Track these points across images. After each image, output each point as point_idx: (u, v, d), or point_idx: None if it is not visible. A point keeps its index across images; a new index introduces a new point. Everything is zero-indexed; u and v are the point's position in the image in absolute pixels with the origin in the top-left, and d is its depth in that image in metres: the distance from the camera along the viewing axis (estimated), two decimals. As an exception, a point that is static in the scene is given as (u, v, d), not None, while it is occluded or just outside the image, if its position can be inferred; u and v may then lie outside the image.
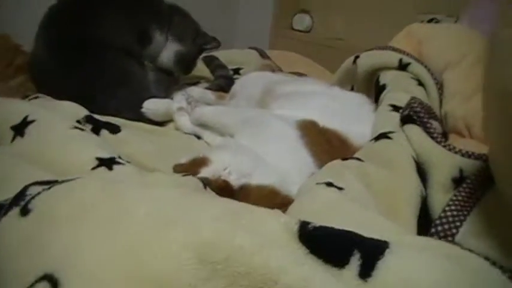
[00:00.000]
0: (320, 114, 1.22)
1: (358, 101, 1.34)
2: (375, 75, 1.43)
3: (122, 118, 1.46)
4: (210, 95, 1.67)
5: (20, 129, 1.12)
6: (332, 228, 0.64)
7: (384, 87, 1.36)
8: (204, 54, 1.97)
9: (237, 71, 2.16)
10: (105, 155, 0.99)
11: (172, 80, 1.81)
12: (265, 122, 1.19)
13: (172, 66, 1.81)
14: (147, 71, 1.71)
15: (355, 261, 0.60)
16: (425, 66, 1.38)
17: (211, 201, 0.76)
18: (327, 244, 0.62)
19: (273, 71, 1.90)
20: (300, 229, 0.64)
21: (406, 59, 1.38)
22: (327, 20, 2.72)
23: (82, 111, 1.31)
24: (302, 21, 2.81)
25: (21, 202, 0.71)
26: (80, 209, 0.68)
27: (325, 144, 1.15)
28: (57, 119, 1.14)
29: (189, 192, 0.81)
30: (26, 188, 0.74)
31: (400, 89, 1.30)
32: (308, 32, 2.81)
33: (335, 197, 0.86)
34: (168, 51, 1.79)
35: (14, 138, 1.11)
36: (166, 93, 1.68)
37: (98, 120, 1.29)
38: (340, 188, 0.88)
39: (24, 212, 0.69)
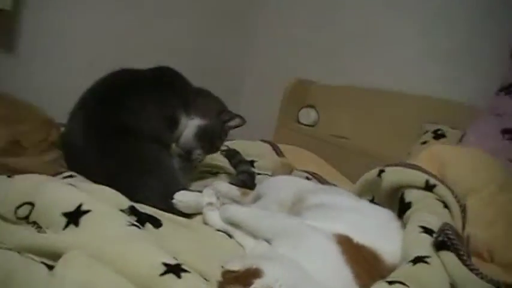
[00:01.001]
0: (353, 228, 1.26)
1: (387, 217, 1.40)
2: (399, 191, 1.50)
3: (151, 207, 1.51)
4: (236, 191, 1.71)
5: (73, 217, 1.14)
6: None
7: (409, 205, 1.42)
8: (225, 148, 2.03)
9: (251, 163, 2.22)
10: (170, 260, 1.02)
11: (192, 169, 1.86)
12: (306, 233, 1.22)
13: (192, 141, 1.85)
14: (172, 157, 1.76)
15: None
16: (450, 189, 1.46)
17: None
18: None
19: (291, 170, 1.97)
20: None
21: (432, 181, 1.45)
22: (332, 117, 2.82)
23: (125, 201, 1.34)
24: (308, 115, 2.90)
25: None
26: None
27: (362, 261, 1.19)
28: (112, 212, 1.17)
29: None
30: None
31: (427, 210, 1.37)
32: (313, 127, 2.90)
33: None
34: (189, 127, 1.86)
35: (67, 226, 1.13)
36: (188, 182, 1.73)
37: (141, 212, 1.32)
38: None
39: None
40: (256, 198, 1.63)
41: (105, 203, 1.23)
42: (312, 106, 2.94)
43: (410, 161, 1.62)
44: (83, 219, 1.13)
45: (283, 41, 3.27)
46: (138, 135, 1.65)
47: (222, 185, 1.72)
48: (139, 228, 1.15)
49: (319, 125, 2.91)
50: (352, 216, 1.34)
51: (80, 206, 1.16)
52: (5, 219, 1.21)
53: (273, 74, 3.21)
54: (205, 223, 1.51)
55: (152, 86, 1.81)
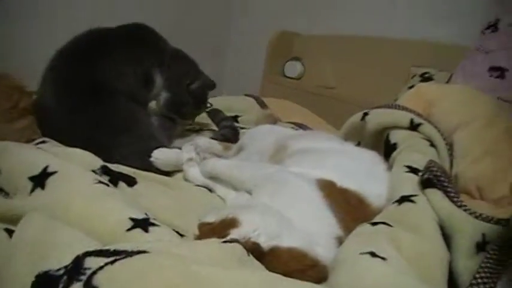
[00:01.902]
0: (337, 173, 1.22)
1: (373, 160, 1.34)
2: (384, 133, 1.45)
3: (128, 166, 1.45)
4: (217, 145, 1.66)
5: (40, 180, 1.09)
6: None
7: (394, 146, 1.38)
8: (208, 109, 1.98)
9: (235, 118, 2.17)
10: (138, 215, 0.97)
11: (173, 127, 1.81)
12: (287, 181, 1.18)
13: (164, 111, 1.81)
14: (151, 116, 1.70)
15: None
16: (436, 127, 1.40)
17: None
18: None
19: (275, 121, 1.91)
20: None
21: (417, 120, 1.40)
22: (318, 68, 2.75)
23: (97, 161, 1.29)
24: (293, 68, 2.83)
25: (81, 276, 0.68)
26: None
27: (346, 205, 1.15)
28: (79, 172, 1.11)
29: (268, 276, 0.80)
30: (80, 259, 0.71)
31: (413, 150, 1.32)
32: (299, 80, 2.82)
33: (386, 271, 0.85)
34: (162, 95, 1.80)
35: (33, 190, 1.08)
36: (169, 140, 1.68)
37: (113, 172, 1.27)
38: (383, 258, 0.88)
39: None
40: (239, 151, 1.58)
41: (73, 164, 1.17)
42: (297, 58, 2.86)
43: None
44: (49, 181, 1.08)
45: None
46: (112, 94, 1.59)
47: (202, 140, 1.66)
48: (108, 185, 1.09)
49: (305, 77, 2.83)
50: (335, 160, 1.29)
51: (45, 168, 1.11)
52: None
53: (257, 28, 3.13)
54: (186, 180, 1.47)
55: (125, 44, 1.75)
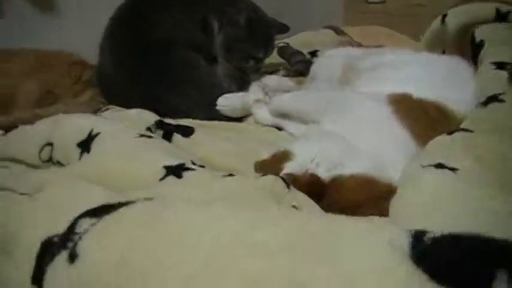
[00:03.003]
0: (412, 84, 1.05)
1: (454, 65, 1.15)
2: (469, 33, 1.24)
3: (195, 118, 1.38)
4: (288, 81, 1.53)
5: (85, 145, 1.03)
6: (460, 237, 0.47)
7: (481, 44, 1.16)
8: (278, 45, 1.84)
9: (314, 54, 2.01)
10: (173, 162, 0.87)
11: (242, 75, 1.68)
12: (351, 102, 1.04)
13: (221, 52, 1.65)
14: (217, 64, 1.60)
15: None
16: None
17: (275, 220, 0.60)
18: (456, 264, 0.44)
19: (351, 46, 1.74)
20: (413, 245, 0.47)
21: (503, 8, 1.18)
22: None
23: (152, 118, 1.22)
24: (376, -8, 2.61)
25: (69, 244, 0.60)
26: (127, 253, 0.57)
27: (424, 118, 0.98)
28: (122, 129, 1.04)
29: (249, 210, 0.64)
30: (76, 221, 0.63)
31: (501, 43, 1.11)
32: (383, 3, 2.59)
33: (447, 181, 0.69)
34: (218, 38, 1.66)
35: (81, 156, 1.03)
36: (240, 86, 1.57)
37: (169, 125, 1.19)
38: (453, 169, 0.71)
39: (72, 257, 0.58)
40: (311, 82, 1.44)
41: (121, 123, 1.11)
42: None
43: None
44: (93, 144, 1.02)
45: None
46: (168, 45, 1.51)
47: (271, 78, 1.54)
48: (150, 138, 1.00)
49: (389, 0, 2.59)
50: (409, 70, 1.12)
51: (90, 131, 1.05)
52: (34, 166, 1.14)
53: None
54: (257, 122, 1.36)
55: None
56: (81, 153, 1.03)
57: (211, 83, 1.49)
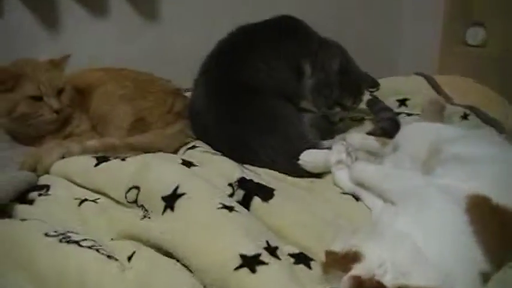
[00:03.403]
0: (494, 186, 1.03)
1: None
2: None
3: (276, 169, 1.42)
4: (372, 141, 1.52)
5: (170, 200, 1.10)
6: None
7: None
8: (368, 97, 1.85)
9: (403, 102, 1.99)
10: (251, 250, 0.92)
11: (328, 123, 1.69)
12: (431, 201, 1.02)
13: (310, 97, 1.67)
14: (303, 113, 1.62)
15: None
16: None
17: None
18: None
19: (443, 108, 1.71)
20: None
21: None
22: (505, 32, 2.40)
23: (235, 172, 1.28)
24: (475, 34, 2.51)
25: None
26: None
27: (499, 230, 0.96)
28: (207, 194, 1.10)
29: None
30: None
31: None
32: (483, 47, 2.50)
33: None
34: (309, 82, 1.68)
35: (164, 210, 1.09)
36: (324, 137, 1.59)
37: (250, 185, 1.24)
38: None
39: None
40: (395, 150, 1.43)
41: (205, 181, 1.17)
42: (479, 23, 2.53)
43: None
44: (178, 204, 1.09)
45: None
46: (261, 92, 1.55)
47: (355, 137, 1.54)
48: (232, 210, 1.05)
49: (490, 43, 2.49)
50: (494, 169, 1.09)
51: (176, 188, 1.11)
52: (120, 203, 1.23)
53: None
54: (335, 184, 1.37)
55: (273, 37, 1.68)
56: (165, 207, 1.10)
57: (297, 134, 1.50)
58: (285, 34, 1.69)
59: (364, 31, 2.73)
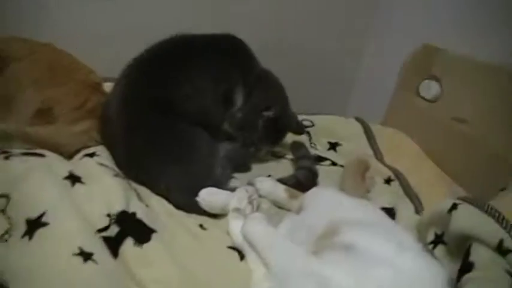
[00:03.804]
0: None
1: (433, 279, 1.03)
2: (467, 242, 1.15)
3: (172, 201, 1.34)
4: (282, 192, 1.45)
5: (32, 227, 1.01)
6: None
7: (470, 266, 1.08)
8: (295, 139, 1.79)
9: (333, 146, 1.93)
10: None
11: (246, 155, 1.62)
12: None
13: (233, 132, 1.63)
14: (221, 142, 1.54)
15: None
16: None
17: None
18: None
19: (366, 168, 1.64)
20: None
21: (508, 243, 1.08)
22: (456, 93, 2.36)
23: (118, 202, 1.18)
24: (429, 88, 2.46)
25: None
26: None
27: None
28: (70, 233, 1.01)
29: None
30: None
31: (488, 285, 1.03)
32: (434, 102, 2.45)
33: None
34: (236, 115, 1.62)
35: (24, 236, 1.00)
36: (236, 169, 1.54)
37: (128, 222, 1.14)
38: None
39: None
40: (300, 210, 1.35)
41: (76, 213, 1.07)
42: (435, 78, 2.48)
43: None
44: (37, 234, 0.99)
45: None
46: (178, 114, 1.45)
47: (265, 183, 1.46)
48: (88, 259, 0.96)
49: (441, 101, 2.44)
50: (382, 273, 1.02)
51: (42, 215, 1.02)
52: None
53: (399, 37, 2.75)
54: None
55: (209, 57, 1.58)
56: (25, 232, 1.00)
57: (203, 170, 1.42)
58: (223, 55, 1.59)
59: (323, 58, 2.71)
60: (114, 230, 1.10)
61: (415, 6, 2.69)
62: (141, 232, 1.13)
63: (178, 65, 1.50)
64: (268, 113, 1.59)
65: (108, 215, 1.13)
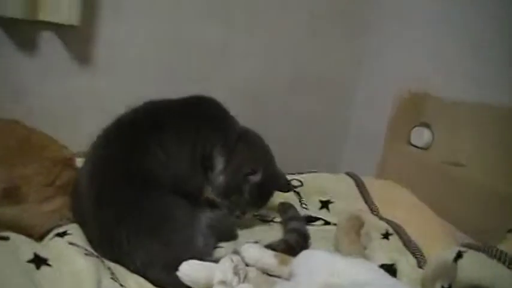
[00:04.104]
0: None
1: None
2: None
3: (149, 279, 1.22)
4: (271, 258, 1.33)
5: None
6: None
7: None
8: (283, 199, 1.70)
9: (326, 205, 1.83)
10: None
11: (231, 221, 1.52)
12: None
13: (216, 197, 1.54)
14: (202, 212, 1.43)
15: None
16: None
17: None
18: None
19: (361, 225, 1.54)
20: None
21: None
22: (450, 139, 2.28)
23: (88, 286, 1.06)
24: (421, 136, 2.39)
25: None
26: None
27: None
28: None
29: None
30: None
31: None
32: (426, 149, 2.37)
33: None
34: (218, 179, 1.53)
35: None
36: (221, 239, 1.43)
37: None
38: None
39: None
40: (290, 276, 1.24)
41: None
42: (426, 125, 2.41)
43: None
44: None
45: (398, 45, 2.73)
46: (151, 183, 1.36)
47: (251, 250, 1.35)
48: None
49: (433, 147, 2.36)
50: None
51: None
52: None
53: (387, 84, 2.70)
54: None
55: (181, 120, 1.51)
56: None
57: (182, 240, 1.31)
58: (196, 117, 1.52)
59: (314, 113, 2.68)
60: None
61: (400, 55, 2.66)
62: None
63: (150, 132, 1.43)
64: (254, 177, 1.51)
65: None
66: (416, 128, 2.44)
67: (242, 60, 2.40)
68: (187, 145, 1.45)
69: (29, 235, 1.27)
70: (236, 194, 1.51)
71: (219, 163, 1.51)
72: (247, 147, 1.55)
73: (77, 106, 2.08)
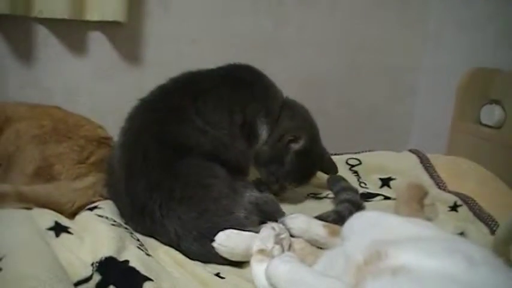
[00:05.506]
0: None
1: None
2: None
3: (182, 250, 1.12)
4: (320, 229, 1.20)
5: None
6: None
7: None
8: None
9: (386, 182, 1.67)
10: None
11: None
12: None
13: (256, 164, 1.45)
14: (247, 188, 1.30)
15: None
16: None
17: None
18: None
19: (424, 195, 1.38)
20: None
21: None
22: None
23: (105, 249, 0.99)
24: (491, 113, 2.18)
25: None
26: None
27: None
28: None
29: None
30: None
31: None
32: (499, 128, 2.16)
33: None
34: (262, 149, 1.44)
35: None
36: (267, 218, 1.26)
37: (113, 270, 0.94)
38: None
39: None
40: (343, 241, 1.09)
41: (46, 259, 0.90)
42: (497, 102, 2.20)
43: None
44: None
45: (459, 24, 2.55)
46: (187, 150, 1.26)
47: (298, 220, 1.21)
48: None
49: (506, 125, 2.15)
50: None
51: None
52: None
53: (451, 65, 2.51)
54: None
55: (222, 88, 1.41)
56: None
57: (219, 208, 1.18)
58: (237, 85, 1.42)
59: (375, 104, 2.54)
60: (96, 279, 0.91)
61: (465, 32, 2.47)
62: (129, 280, 0.91)
63: (188, 99, 1.34)
64: (296, 145, 1.38)
65: (92, 264, 0.93)
66: (487, 105, 2.23)
67: (295, 52, 2.30)
68: (226, 112, 1.36)
69: (61, 212, 1.22)
70: (276, 163, 1.41)
71: (263, 132, 1.40)
72: (292, 115, 1.45)
73: (127, 103, 2.04)
